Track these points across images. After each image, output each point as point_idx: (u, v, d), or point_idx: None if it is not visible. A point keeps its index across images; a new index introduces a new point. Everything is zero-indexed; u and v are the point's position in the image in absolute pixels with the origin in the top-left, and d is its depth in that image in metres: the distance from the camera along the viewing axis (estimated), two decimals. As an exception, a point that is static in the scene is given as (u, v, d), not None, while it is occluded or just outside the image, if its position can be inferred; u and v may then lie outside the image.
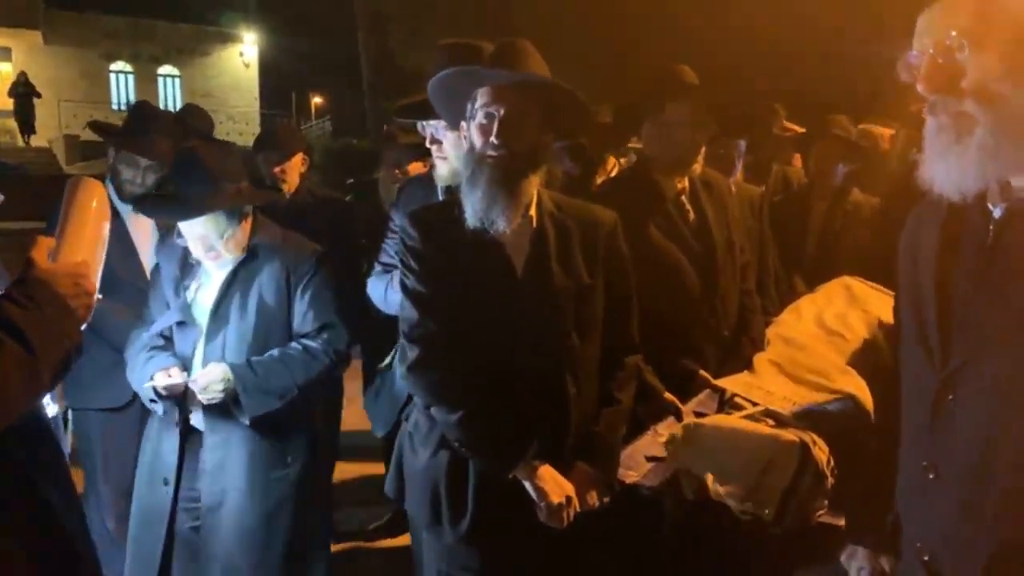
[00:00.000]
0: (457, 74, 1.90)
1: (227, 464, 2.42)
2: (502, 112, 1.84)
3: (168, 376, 2.36)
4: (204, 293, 2.49)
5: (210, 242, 2.38)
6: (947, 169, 1.30)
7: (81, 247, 1.49)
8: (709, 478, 1.95)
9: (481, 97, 1.87)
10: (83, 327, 1.43)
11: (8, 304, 1.30)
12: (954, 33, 1.27)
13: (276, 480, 2.47)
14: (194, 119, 4.12)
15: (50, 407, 2.39)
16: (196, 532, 2.45)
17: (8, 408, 1.25)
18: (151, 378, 2.37)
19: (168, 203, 2.48)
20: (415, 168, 3.60)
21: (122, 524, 3.00)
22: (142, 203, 2.68)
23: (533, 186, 1.91)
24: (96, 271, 1.52)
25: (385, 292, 2.59)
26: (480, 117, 1.87)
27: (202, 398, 2.35)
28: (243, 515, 2.42)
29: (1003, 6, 1.26)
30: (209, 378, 2.33)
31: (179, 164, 2.45)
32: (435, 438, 1.96)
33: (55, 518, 1.38)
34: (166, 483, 2.43)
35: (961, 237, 1.37)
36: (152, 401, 2.41)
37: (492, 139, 1.84)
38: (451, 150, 2.35)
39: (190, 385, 2.36)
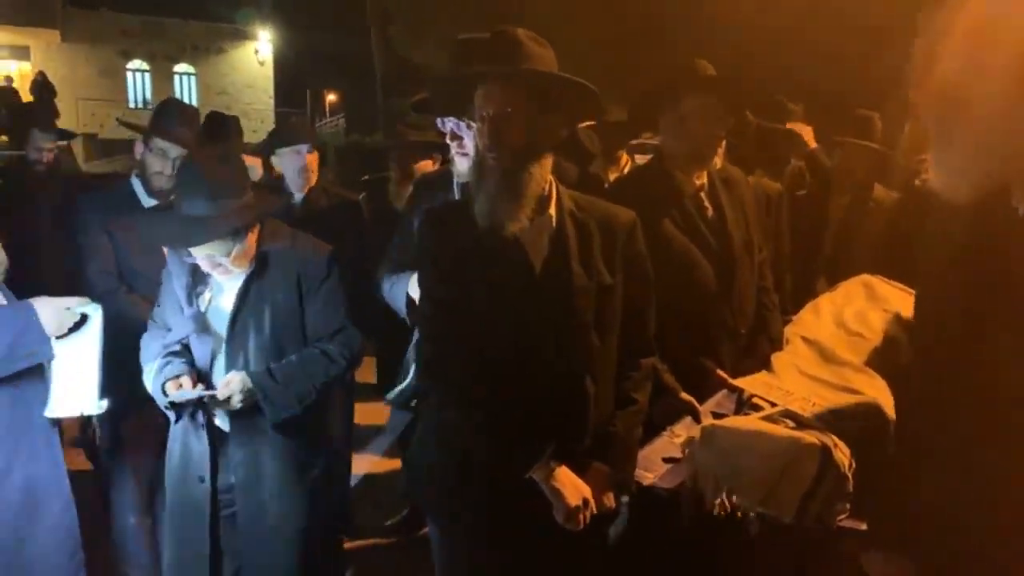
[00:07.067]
0: (440, 84, 1.88)
1: (261, 474, 2.43)
2: (491, 113, 1.81)
3: (179, 387, 2.34)
4: (220, 301, 2.46)
5: (217, 260, 2.34)
6: (942, 170, 1.31)
7: None
8: (723, 490, 1.92)
9: (478, 99, 1.85)
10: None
11: None
12: (937, 37, 1.27)
13: (309, 483, 2.48)
14: (219, 126, 4.17)
15: (102, 402, 2.38)
16: (229, 523, 2.46)
17: None
18: (163, 389, 2.36)
19: (171, 228, 2.40)
20: (423, 167, 3.58)
21: (146, 518, 3.02)
22: (145, 225, 2.67)
23: (538, 179, 1.86)
24: None
25: (390, 288, 2.60)
26: (478, 119, 1.85)
27: (223, 409, 2.36)
28: (285, 522, 2.44)
29: (980, 11, 1.24)
30: (230, 389, 2.32)
31: (182, 181, 2.37)
32: (449, 437, 1.94)
33: None
34: (202, 480, 2.43)
35: (984, 239, 1.34)
36: (167, 408, 2.41)
37: (486, 141, 1.82)
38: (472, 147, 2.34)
39: (207, 400, 2.34)
